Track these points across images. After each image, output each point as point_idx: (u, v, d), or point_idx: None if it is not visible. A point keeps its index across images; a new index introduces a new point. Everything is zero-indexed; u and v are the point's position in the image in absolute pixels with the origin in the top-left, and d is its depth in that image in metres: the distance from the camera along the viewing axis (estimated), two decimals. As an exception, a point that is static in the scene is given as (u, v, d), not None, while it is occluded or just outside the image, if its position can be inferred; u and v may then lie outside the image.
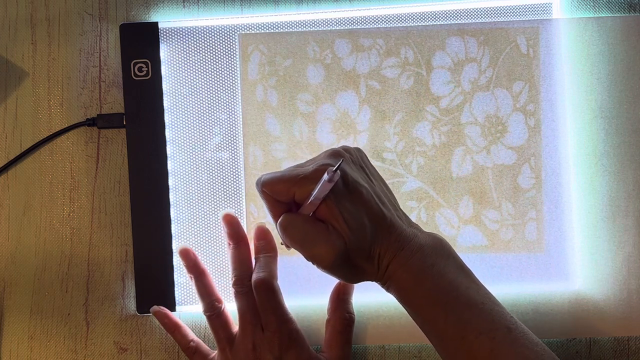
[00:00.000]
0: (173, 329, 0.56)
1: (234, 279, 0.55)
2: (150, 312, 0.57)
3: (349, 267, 0.47)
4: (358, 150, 0.50)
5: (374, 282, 0.49)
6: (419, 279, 0.47)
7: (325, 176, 0.45)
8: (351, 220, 0.46)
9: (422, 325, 0.48)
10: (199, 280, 0.56)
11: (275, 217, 0.48)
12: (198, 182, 0.58)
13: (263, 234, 0.56)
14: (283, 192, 0.47)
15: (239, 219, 0.57)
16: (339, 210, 0.46)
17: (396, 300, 0.49)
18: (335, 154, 0.48)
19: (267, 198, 0.48)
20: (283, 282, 0.57)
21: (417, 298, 0.47)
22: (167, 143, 0.58)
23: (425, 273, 0.47)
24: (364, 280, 0.49)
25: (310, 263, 0.47)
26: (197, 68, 0.58)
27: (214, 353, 0.56)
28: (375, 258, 0.47)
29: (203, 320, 0.58)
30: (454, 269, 0.48)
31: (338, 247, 0.45)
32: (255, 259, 0.55)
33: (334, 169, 0.45)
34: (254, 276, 0.54)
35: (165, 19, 0.59)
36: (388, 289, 0.49)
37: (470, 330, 0.45)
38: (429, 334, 0.48)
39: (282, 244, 0.50)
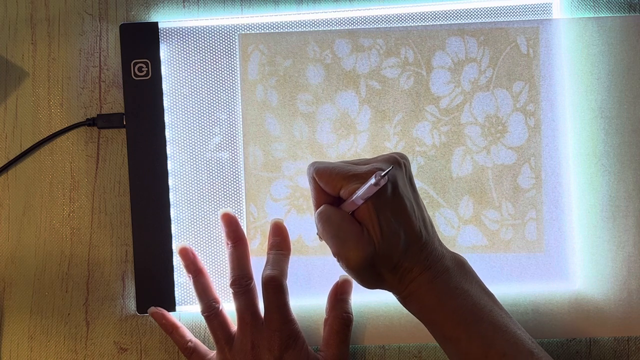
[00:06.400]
0: (171, 329, 0.56)
1: (232, 279, 0.55)
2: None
3: (371, 274, 0.47)
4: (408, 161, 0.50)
5: None
6: (442, 299, 0.47)
7: (372, 179, 0.44)
8: (387, 229, 0.46)
9: (443, 343, 0.48)
10: (197, 280, 0.56)
11: (317, 206, 0.49)
12: (198, 182, 0.58)
13: (279, 231, 0.56)
14: (330, 184, 0.48)
15: (238, 219, 0.57)
16: (377, 216, 0.46)
17: (396, 301, 0.49)
18: (392, 160, 0.48)
19: (314, 185, 0.49)
20: (283, 282, 0.57)
21: (439, 317, 0.47)
22: (167, 143, 0.58)
23: (450, 294, 0.47)
24: (381, 289, 0.48)
25: (336, 260, 0.47)
26: (197, 68, 0.58)
27: (213, 353, 0.56)
28: (400, 271, 0.47)
29: (203, 320, 0.58)
30: (478, 291, 0.48)
31: (367, 252, 0.45)
32: (267, 253, 0.55)
33: (383, 174, 0.44)
34: (264, 272, 0.53)
35: (165, 19, 0.59)
36: (406, 304, 0.48)
37: (493, 352, 0.46)
38: (450, 351, 0.48)
39: (317, 234, 0.50)
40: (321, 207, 0.48)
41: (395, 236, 0.46)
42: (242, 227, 0.57)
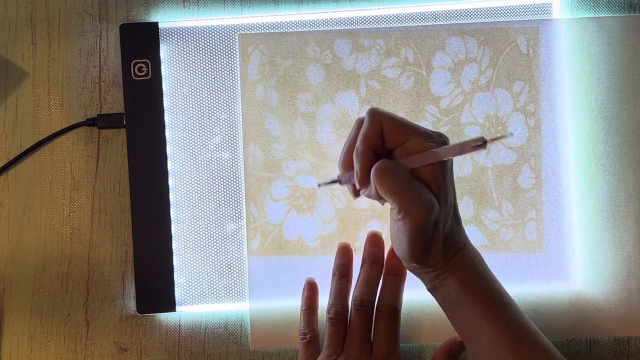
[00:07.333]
0: (309, 309, 0.56)
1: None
2: (151, 312, 0.57)
3: (425, 240, 0.46)
4: None
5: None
6: (481, 277, 0.48)
7: (473, 140, 0.43)
8: (448, 194, 0.46)
9: (476, 323, 0.47)
10: (339, 281, 0.56)
11: (367, 151, 0.47)
12: (198, 182, 0.58)
13: (396, 255, 0.54)
14: (398, 132, 0.47)
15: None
16: (443, 179, 0.46)
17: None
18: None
19: (375, 127, 0.47)
20: (283, 282, 0.57)
21: (479, 293, 0.47)
22: (167, 143, 0.58)
23: (486, 274, 0.48)
24: (424, 264, 0.47)
25: (397, 218, 0.46)
26: (197, 68, 0.58)
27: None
28: (447, 242, 0.47)
29: (203, 320, 0.58)
30: (500, 283, 0.49)
31: (436, 208, 0.45)
32: (384, 277, 0.55)
33: (490, 140, 0.44)
34: (385, 300, 0.54)
35: (165, 19, 0.59)
36: (442, 282, 0.48)
37: (526, 337, 0.46)
38: (484, 332, 0.47)
39: (356, 190, 0.49)
40: (381, 161, 0.46)
41: (450, 203, 0.47)
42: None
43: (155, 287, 0.57)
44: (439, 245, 0.47)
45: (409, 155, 0.47)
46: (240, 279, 0.58)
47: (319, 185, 0.53)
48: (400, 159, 0.47)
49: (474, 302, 0.47)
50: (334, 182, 0.51)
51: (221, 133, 0.58)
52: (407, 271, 0.55)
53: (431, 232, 0.46)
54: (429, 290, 0.50)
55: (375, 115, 0.47)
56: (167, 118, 0.58)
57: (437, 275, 0.48)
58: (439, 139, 0.47)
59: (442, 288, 0.48)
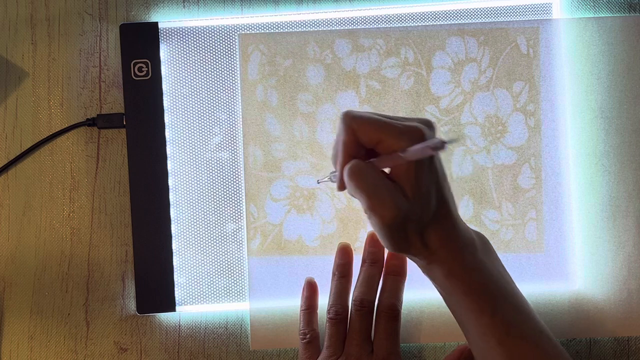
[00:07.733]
0: (309, 308, 0.56)
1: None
2: (151, 312, 0.57)
3: (400, 234, 0.46)
4: None
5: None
6: (468, 270, 0.47)
7: (432, 142, 0.43)
8: (423, 190, 0.45)
9: (463, 314, 0.47)
10: (339, 281, 0.56)
11: (345, 156, 0.46)
12: (198, 182, 0.58)
13: (397, 254, 0.54)
14: (370, 134, 0.45)
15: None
16: (416, 177, 0.45)
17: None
18: (430, 124, 0.46)
19: (348, 134, 0.46)
20: (283, 282, 0.57)
21: (465, 286, 0.47)
22: (167, 143, 0.58)
23: (476, 266, 0.47)
24: (407, 253, 0.47)
25: (367, 217, 0.46)
26: (197, 68, 0.58)
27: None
28: (427, 236, 0.46)
29: (203, 320, 0.58)
30: (501, 270, 0.48)
31: (402, 208, 0.44)
32: (384, 277, 0.55)
33: (448, 142, 0.43)
34: (385, 301, 0.54)
35: (165, 19, 0.59)
36: (431, 270, 0.48)
37: (515, 331, 0.46)
38: (470, 324, 0.47)
39: (337, 187, 0.49)
40: (352, 162, 0.46)
41: (428, 200, 0.45)
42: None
43: (155, 287, 0.57)
44: (416, 238, 0.46)
45: (383, 154, 0.46)
46: (240, 279, 0.58)
47: (318, 182, 0.54)
48: (376, 158, 0.47)
49: (460, 292, 0.47)
50: (328, 178, 0.52)
51: (221, 133, 0.58)
52: (407, 271, 0.55)
53: (401, 228, 0.45)
54: (424, 274, 0.50)
55: (346, 121, 0.46)
56: (167, 118, 0.58)
57: (425, 264, 0.48)
58: (414, 135, 0.45)
59: (431, 276, 0.48)
